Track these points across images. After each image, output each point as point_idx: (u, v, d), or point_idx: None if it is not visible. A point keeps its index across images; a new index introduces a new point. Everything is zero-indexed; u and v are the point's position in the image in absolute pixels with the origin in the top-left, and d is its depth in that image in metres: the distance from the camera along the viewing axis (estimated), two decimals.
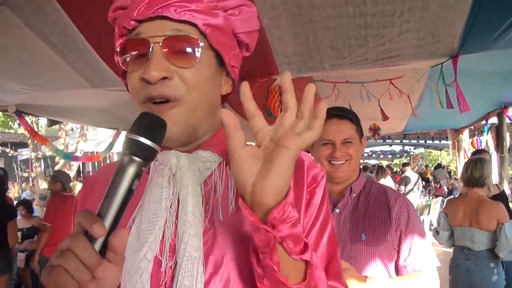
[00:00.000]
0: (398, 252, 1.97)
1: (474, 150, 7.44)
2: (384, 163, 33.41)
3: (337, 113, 2.07)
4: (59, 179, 6.36)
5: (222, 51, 1.08)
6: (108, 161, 22.81)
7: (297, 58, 3.89)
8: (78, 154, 15.97)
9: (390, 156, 33.45)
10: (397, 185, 13.00)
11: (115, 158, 22.57)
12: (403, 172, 13.96)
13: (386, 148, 28.18)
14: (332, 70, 4.02)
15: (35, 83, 4.80)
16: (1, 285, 5.50)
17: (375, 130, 9.02)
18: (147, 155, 0.84)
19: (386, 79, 4.33)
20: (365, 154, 32.81)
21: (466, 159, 10.80)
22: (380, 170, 12.43)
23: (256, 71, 4.25)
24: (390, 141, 19.93)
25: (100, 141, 15.92)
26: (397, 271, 2.00)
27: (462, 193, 4.73)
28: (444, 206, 4.93)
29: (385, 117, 4.90)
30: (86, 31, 3.60)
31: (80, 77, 4.41)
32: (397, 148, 28.18)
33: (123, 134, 9.27)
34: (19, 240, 7.26)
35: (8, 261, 5.66)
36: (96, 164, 20.01)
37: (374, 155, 33.99)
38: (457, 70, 3.81)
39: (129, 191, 0.81)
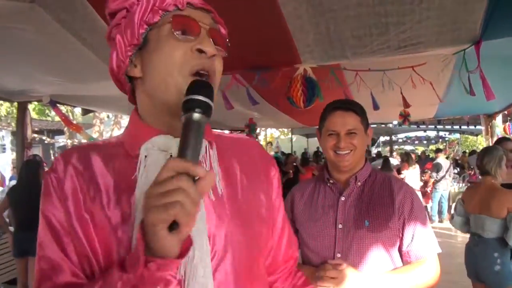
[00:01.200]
0: (401, 239, 2.03)
1: (497, 138, 7.27)
2: (420, 149, 32.93)
3: (342, 105, 2.15)
4: None
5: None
6: None
7: (319, 47, 3.94)
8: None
9: (425, 142, 32.91)
10: (428, 172, 12.80)
11: None
12: (436, 158, 13.70)
13: (420, 133, 27.80)
14: (355, 59, 4.06)
15: (67, 75, 5.00)
16: (31, 265, 5.70)
17: (405, 116, 8.97)
18: (209, 112, 0.97)
19: (408, 66, 4.32)
20: (400, 140, 32.45)
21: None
22: (407, 157, 11.90)
23: (279, 61, 4.32)
24: (424, 126, 19.68)
25: None
26: (401, 257, 2.07)
27: (480, 181, 4.69)
28: (463, 193, 4.89)
29: (406, 105, 4.89)
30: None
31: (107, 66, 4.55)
32: (431, 133, 27.75)
33: None
34: None
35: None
36: None
37: (409, 141, 33.55)
38: (484, 56, 3.77)
39: (201, 140, 0.95)
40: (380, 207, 2.06)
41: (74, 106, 8.23)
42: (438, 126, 19.52)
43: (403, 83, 4.65)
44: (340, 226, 2.09)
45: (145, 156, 1.11)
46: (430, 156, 20.55)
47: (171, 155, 1.09)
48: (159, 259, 0.87)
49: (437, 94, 4.91)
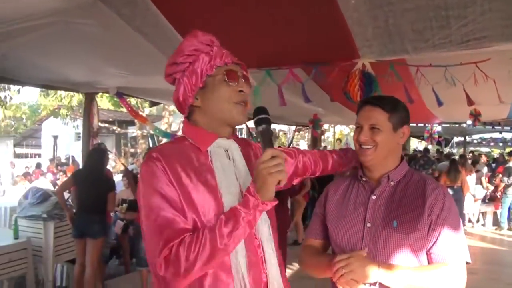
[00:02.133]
0: (428, 241, 1.95)
1: None
2: (496, 151, 31.58)
3: (372, 101, 2.12)
4: None
5: None
6: None
7: (377, 41, 3.87)
8: (180, 133, 16.75)
9: (501, 144, 31.47)
10: (500, 176, 12.16)
11: None
12: (508, 161, 13.03)
13: (496, 135, 26.60)
14: (416, 53, 3.94)
15: (130, 68, 5.22)
16: (97, 246, 6.00)
17: (475, 116, 8.64)
18: (269, 124, 1.72)
19: (472, 62, 4.15)
20: (474, 141, 31.21)
21: None
22: (463, 161, 11.52)
23: (337, 55, 4.28)
24: (499, 127, 18.82)
25: None
26: (428, 259, 1.99)
27: None
28: None
29: (471, 102, 4.69)
30: (174, 21, 3.84)
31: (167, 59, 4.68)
32: (508, 135, 26.43)
33: None
34: (123, 211, 7.92)
35: (103, 226, 6.13)
36: None
37: (484, 142, 32.20)
38: None
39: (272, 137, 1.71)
40: (410, 208, 2.00)
41: (140, 98, 8.51)
42: None
43: (465, 80, 4.47)
44: (368, 224, 2.05)
45: (210, 151, 1.78)
46: (506, 159, 19.61)
47: (227, 151, 1.82)
48: (267, 201, 1.58)
49: (498, 93, 4.67)
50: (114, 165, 16.91)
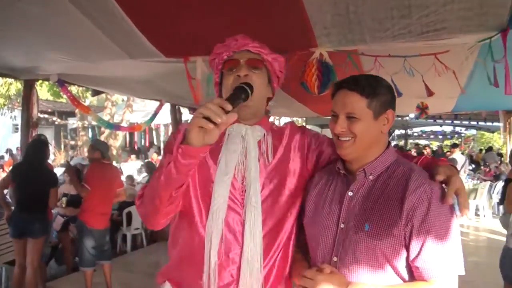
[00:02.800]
0: (408, 250, 1.68)
1: None
2: (435, 143, 32.64)
3: (347, 84, 1.82)
4: (98, 148, 6.42)
5: (271, 72, 2.03)
6: (154, 132, 23.28)
7: (336, 30, 3.73)
8: (124, 124, 16.30)
9: (440, 137, 32.56)
10: None
11: (162, 129, 23.00)
12: (451, 153, 13.45)
13: (436, 128, 27.45)
14: (374, 43, 3.84)
15: (75, 53, 4.85)
16: (38, 246, 5.66)
17: (422, 109, 8.73)
18: (246, 94, 1.74)
19: (431, 54, 4.09)
20: (415, 134, 32.10)
21: None
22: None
23: (294, 44, 4.11)
24: (441, 121, 19.37)
25: (148, 112, 16.13)
26: (410, 271, 1.73)
27: None
28: None
29: (430, 93, 4.64)
30: (123, 4, 3.57)
31: (118, 48, 4.41)
32: (448, 128, 27.35)
33: (167, 106, 9.37)
34: (63, 205, 7.54)
35: (44, 225, 5.79)
36: (141, 134, 20.37)
37: (424, 135, 33.20)
38: (508, 46, 3.55)
39: (238, 102, 1.68)
40: (386, 209, 1.72)
41: (83, 86, 8.10)
42: (455, 121, 19.16)
43: (424, 72, 4.42)
44: (342, 225, 1.81)
45: (228, 135, 1.96)
46: (445, 151, 20.28)
47: (242, 136, 1.95)
48: (185, 145, 1.58)
49: (460, 84, 4.65)
50: (54, 158, 16.24)
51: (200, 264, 1.83)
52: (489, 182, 13.01)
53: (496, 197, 12.79)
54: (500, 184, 12.89)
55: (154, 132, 23.61)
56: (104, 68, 5.50)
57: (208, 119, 1.49)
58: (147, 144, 21.95)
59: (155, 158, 15.91)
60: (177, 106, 9.97)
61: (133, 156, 17.37)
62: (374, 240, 1.69)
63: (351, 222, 1.79)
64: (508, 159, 4.65)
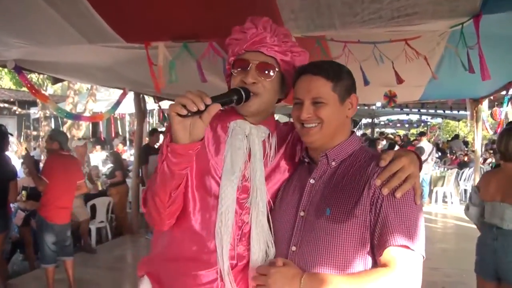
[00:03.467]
0: (371, 232, 1.62)
1: (509, 121, 6.96)
2: (401, 132, 33.01)
3: (311, 69, 1.77)
4: (56, 139, 6.12)
5: (286, 75, 1.89)
6: (118, 122, 22.81)
7: (304, 14, 3.57)
8: (87, 114, 15.89)
9: (407, 125, 32.93)
10: None
11: (127, 119, 22.58)
12: (418, 141, 13.58)
13: (403, 117, 27.65)
14: (343, 29, 3.70)
15: (30, 37, 4.56)
16: None
17: (390, 97, 8.68)
18: (239, 97, 1.69)
19: (401, 39, 3.99)
20: (382, 123, 32.38)
21: (484, 131, 10.51)
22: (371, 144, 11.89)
23: None
24: (408, 110, 19.54)
25: (112, 101, 15.70)
26: (373, 259, 1.64)
27: (500, 166, 4.38)
28: (478, 180, 4.57)
29: (400, 80, 4.54)
30: None
31: (76, 31, 4.15)
32: (414, 117, 27.63)
33: (131, 94, 9.08)
34: (23, 199, 7.24)
35: (4, 220, 5.61)
36: (105, 124, 19.93)
37: (390, 124, 33.50)
38: (472, 35, 3.46)
39: (230, 102, 1.67)
40: (347, 192, 1.67)
41: (42, 73, 7.77)
42: (421, 110, 19.36)
43: (395, 58, 4.32)
44: (301, 213, 1.75)
45: (232, 130, 1.86)
46: (412, 140, 20.54)
47: (245, 134, 1.85)
48: (173, 143, 1.55)
49: (431, 70, 4.56)
50: (16, 149, 15.74)
51: (190, 261, 1.79)
52: (456, 170, 13.21)
53: (463, 184, 12.99)
54: (467, 171, 13.09)
55: (119, 122, 23.19)
56: (63, 54, 5.24)
57: (184, 107, 1.46)
58: (112, 134, 21.56)
59: (120, 148, 15.56)
60: (141, 95, 9.71)
61: (98, 147, 16.98)
62: (335, 223, 1.64)
63: (312, 209, 1.73)
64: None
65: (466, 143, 21.15)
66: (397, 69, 4.72)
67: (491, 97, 9.88)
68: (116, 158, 10.84)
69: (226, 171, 1.78)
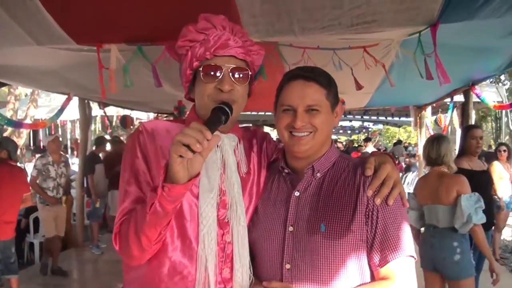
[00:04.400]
0: (367, 244, 1.60)
1: (466, 126, 7.22)
2: (343, 138, 33.68)
3: (304, 73, 1.70)
4: (4, 147, 5.81)
5: (253, 75, 1.80)
6: (59, 129, 22.04)
7: (265, 19, 3.53)
8: (28, 121, 15.28)
9: (349, 131, 33.59)
10: None
11: (69, 126, 21.84)
12: (364, 147, 13.87)
13: (345, 123, 28.16)
14: (303, 35, 3.69)
15: None
16: None
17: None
18: (227, 116, 1.55)
19: (360, 46, 4.03)
20: None
21: (428, 136, 10.89)
22: None
23: None
24: (351, 116, 19.91)
25: (54, 107, 15.16)
26: (371, 272, 1.64)
27: (429, 172, 4.68)
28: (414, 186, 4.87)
29: (359, 86, 4.59)
30: None
31: (24, 31, 3.92)
32: (356, 124, 28.20)
33: (75, 100, 8.74)
34: None
35: None
36: (47, 131, 19.20)
37: (333, 130, 34.05)
38: (426, 42, 3.58)
39: (218, 125, 1.50)
40: (340, 206, 1.63)
41: None
42: (364, 116, 19.76)
43: (354, 65, 4.35)
44: (290, 228, 1.67)
45: None
46: (357, 146, 20.97)
47: (217, 145, 1.71)
48: (170, 185, 1.38)
49: (388, 77, 4.62)
50: None
51: None
52: (399, 174, 13.53)
53: (407, 188, 13.36)
54: (411, 176, 13.48)
55: (60, 129, 22.41)
56: (4, 56, 4.95)
57: (187, 147, 1.32)
58: None
59: None
60: (86, 101, 9.37)
61: (38, 155, 16.36)
62: (333, 240, 1.59)
63: (302, 224, 1.66)
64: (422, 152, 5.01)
65: (406, 148, 21.80)
66: (356, 73, 4.76)
67: (434, 104, 10.23)
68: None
69: (203, 189, 1.66)
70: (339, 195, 1.65)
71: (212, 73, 1.66)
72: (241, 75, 1.69)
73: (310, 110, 1.66)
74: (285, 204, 1.73)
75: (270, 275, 1.69)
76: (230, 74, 1.66)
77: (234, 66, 1.67)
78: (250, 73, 1.73)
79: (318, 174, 1.73)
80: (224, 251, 1.68)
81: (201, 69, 1.67)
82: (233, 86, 1.66)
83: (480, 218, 3.97)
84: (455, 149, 5.20)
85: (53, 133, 19.67)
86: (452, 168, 4.36)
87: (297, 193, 1.72)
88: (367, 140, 15.17)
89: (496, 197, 8.05)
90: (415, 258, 1.61)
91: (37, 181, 7.33)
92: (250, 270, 1.73)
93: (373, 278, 1.63)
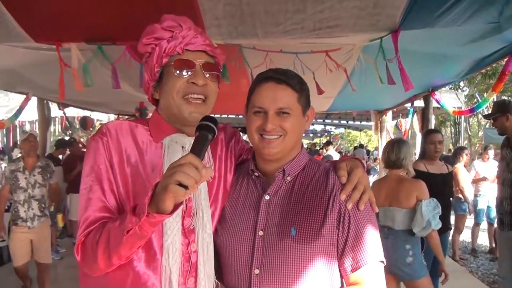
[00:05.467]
0: (337, 248, 1.61)
1: (426, 130, 7.32)
2: (305, 141, 33.90)
3: (275, 76, 1.68)
4: None
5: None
6: (18, 130, 21.49)
7: (227, 21, 3.51)
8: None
9: (311, 135, 33.83)
10: None
11: (27, 127, 21.27)
12: (326, 150, 14.00)
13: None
14: (265, 38, 3.70)
15: None
16: None
17: None
18: (214, 132, 1.47)
19: (322, 51, 4.05)
20: None
21: (389, 140, 11.04)
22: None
23: None
24: (313, 120, 20.05)
25: (12, 108, 14.78)
26: (341, 277, 1.65)
27: (386, 175, 4.76)
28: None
29: (320, 91, 4.62)
30: None
31: None
32: (318, 127, 28.43)
33: (34, 100, 8.50)
34: None
35: None
36: (4, 132, 18.67)
37: None
38: (387, 48, 3.64)
39: (206, 149, 1.43)
40: (311, 210, 1.62)
41: None
42: (326, 120, 19.94)
43: (315, 69, 4.37)
44: (260, 232, 1.65)
45: (168, 146, 1.69)
46: (318, 149, 21.16)
47: (182, 147, 1.69)
48: (156, 214, 1.30)
49: (350, 82, 4.68)
50: None
51: None
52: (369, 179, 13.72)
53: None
54: (371, 178, 13.66)
55: (18, 130, 21.82)
56: None
57: (181, 184, 1.25)
58: (11, 143, 20.18)
59: None
60: (45, 101, 9.12)
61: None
62: (302, 244, 1.58)
63: (273, 228, 1.65)
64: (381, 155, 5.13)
65: (368, 152, 22.12)
66: (317, 78, 4.79)
67: (394, 109, 10.39)
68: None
69: None
70: (310, 199, 1.65)
71: (184, 66, 1.63)
72: (212, 70, 1.69)
73: (281, 113, 1.65)
74: (254, 208, 1.71)
75: (237, 280, 1.67)
76: (202, 69, 1.65)
77: (206, 61, 1.67)
78: (220, 69, 1.76)
79: (289, 178, 1.72)
80: (189, 261, 1.64)
81: (172, 63, 1.64)
82: (206, 81, 1.65)
83: (437, 223, 4.08)
84: (415, 153, 5.30)
85: (11, 134, 19.16)
86: (410, 172, 4.45)
87: (267, 197, 1.71)
88: (328, 143, 15.29)
89: (461, 199, 8.26)
90: (384, 263, 1.62)
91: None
92: (214, 278, 1.69)
93: (343, 283, 1.64)
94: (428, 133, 5.38)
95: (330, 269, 1.61)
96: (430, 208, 4.08)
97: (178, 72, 1.63)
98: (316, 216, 1.60)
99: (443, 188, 5.12)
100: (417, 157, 6.23)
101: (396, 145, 4.52)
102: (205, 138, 1.42)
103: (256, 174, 1.78)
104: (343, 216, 1.60)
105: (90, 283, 1.64)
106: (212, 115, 1.52)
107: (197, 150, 1.36)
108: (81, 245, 1.54)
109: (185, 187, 1.25)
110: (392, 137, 10.57)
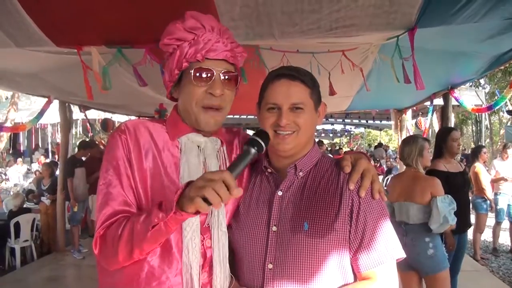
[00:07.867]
0: (349, 243, 1.62)
1: (442, 128, 7.25)
2: (325, 141, 33.86)
3: (288, 73, 1.70)
4: None
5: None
6: (39, 132, 21.82)
7: (244, 23, 3.55)
8: (8, 124, 15.10)
9: (331, 135, 33.75)
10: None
11: (49, 129, 21.59)
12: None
13: (327, 126, 28.31)
14: (282, 38, 3.72)
15: None
16: None
17: None
18: (260, 149, 1.53)
19: (339, 50, 4.06)
20: None
21: None
22: None
23: None
24: (333, 120, 20.01)
25: (34, 111, 15.01)
26: (354, 272, 1.67)
27: (403, 171, 4.85)
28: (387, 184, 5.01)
29: (332, 92, 4.63)
30: None
31: (1, 32, 3.89)
32: (338, 127, 28.37)
33: (55, 103, 8.66)
34: None
35: None
36: (26, 135, 18.99)
37: (315, 134, 34.18)
38: (404, 47, 3.64)
39: (246, 165, 1.49)
40: (323, 205, 1.64)
41: None
42: (346, 120, 19.90)
43: (331, 69, 4.38)
44: (274, 228, 1.67)
45: (184, 144, 1.73)
46: (338, 149, 21.10)
47: (198, 146, 1.74)
48: (184, 212, 1.35)
49: (365, 82, 4.69)
50: None
51: None
52: (381, 176, 13.63)
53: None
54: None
55: (40, 133, 22.15)
56: None
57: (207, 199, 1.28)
58: (32, 146, 20.50)
59: (42, 161, 14.83)
60: (67, 104, 9.27)
61: (19, 160, 16.13)
62: (315, 238, 1.60)
63: (286, 223, 1.67)
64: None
65: (386, 151, 22.00)
66: (332, 80, 4.81)
67: (414, 108, 10.32)
68: (54, 170, 10.23)
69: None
70: (322, 194, 1.67)
71: (204, 76, 1.64)
72: (231, 79, 1.68)
73: (294, 108, 1.67)
74: (268, 204, 1.74)
75: (251, 275, 1.70)
76: (222, 78, 1.65)
77: (225, 70, 1.66)
78: (239, 77, 1.74)
79: (301, 173, 1.74)
80: (204, 256, 1.67)
81: (192, 71, 1.64)
82: (223, 91, 1.65)
83: (453, 219, 4.11)
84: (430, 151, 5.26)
85: (33, 137, 19.46)
86: (418, 169, 4.49)
87: (280, 193, 1.73)
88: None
89: (484, 197, 8.15)
90: (401, 258, 1.64)
91: None
92: (229, 273, 1.73)
93: (355, 277, 1.65)
94: (448, 131, 5.27)
95: (342, 263, 1.62)
96: (445, 204, 4.11)
97: (196, 81, 1.64)
98: (328, 211, 1.62)
99: (463, 186, 5.09)
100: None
101: (401, 145, 4.69)
102: (247, 154, 1.46)
103: (269, 170, 1.80)
104: (356, 211, 1.61)
105: (108, 280, 1.67)
106: (265, 131, 1.64)
107: (235, 166, 1.39)
108: (100, 238, 1.56)
109: (210, 203, 1.27)
110: None
